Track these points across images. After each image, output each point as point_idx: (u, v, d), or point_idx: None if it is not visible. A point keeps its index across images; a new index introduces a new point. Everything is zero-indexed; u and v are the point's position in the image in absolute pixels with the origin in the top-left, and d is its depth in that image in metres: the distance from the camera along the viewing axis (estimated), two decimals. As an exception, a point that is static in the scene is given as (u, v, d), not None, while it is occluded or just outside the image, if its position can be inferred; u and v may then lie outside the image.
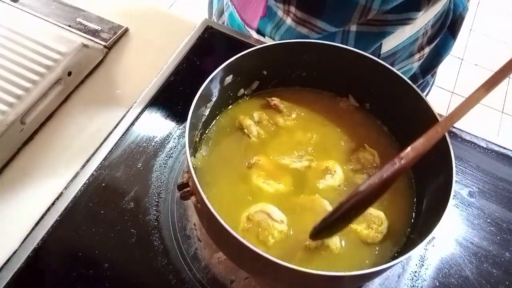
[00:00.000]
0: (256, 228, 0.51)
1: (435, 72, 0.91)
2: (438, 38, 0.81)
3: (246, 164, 0.56)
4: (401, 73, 0.80)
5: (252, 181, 0.55)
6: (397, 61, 0.78)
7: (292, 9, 0.68)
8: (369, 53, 0.71)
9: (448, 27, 0.83)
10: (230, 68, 0.54)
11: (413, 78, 0.85)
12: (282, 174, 0.56)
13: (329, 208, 0.53)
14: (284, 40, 0.73)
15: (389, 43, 0.72)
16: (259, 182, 0.54)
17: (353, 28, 0.69)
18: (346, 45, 0.70)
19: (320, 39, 0.70)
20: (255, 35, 0.80)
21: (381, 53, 0.73)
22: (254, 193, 0.54)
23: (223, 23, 0.88)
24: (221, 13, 0.88)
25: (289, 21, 0.71)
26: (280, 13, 0.72)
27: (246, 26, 0.80)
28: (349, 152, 0.59)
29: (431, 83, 0.93)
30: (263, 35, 0.78)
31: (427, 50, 0.80)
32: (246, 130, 0.59)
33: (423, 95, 0.53)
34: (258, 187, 0.54)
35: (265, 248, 0.50)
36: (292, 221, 0.52)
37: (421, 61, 0.82)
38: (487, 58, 2.32)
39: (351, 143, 0.60)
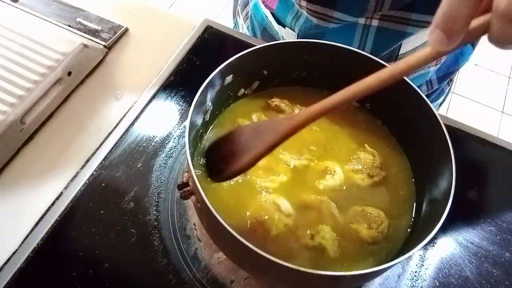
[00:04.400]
0: (264, 215, 0.51)
1: (451, 80, 0.90)
2: None
3: None
4: (417, 76, 0.81)
5: (252, 183, 0.55)
6: None
7: (304, 3, 0.68)
8: (387, 53, 0.72)
9: None
10: (230, 67, 0.54)
11: (429, 83, 0.85)
12: (280, 169, 0.56)
13: (336, 212, 0.53)
14: (302, 31, 0.73)
15: (409, 44, 0.72)
16: (260, 183, 0.54)
17: (375, 23, 0.68)
18: (366, 40, 0.71)
19: (340, 31, 0.71)
20: (276, 26, 0.79)
21: (400, 54, 0.73)
22: (257, 192, 0.54)
23: (247, 14, 0.87)
24: (245, 4, 0.88)
25: (305, 13, 0.71)
26: (296, 5, 0.72)
27: (265, 11, 0.79)
28: (349, 152, 0.59)
29: (446, 91, 0.92)
30: (284, 26, 0.77)
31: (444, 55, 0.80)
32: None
33: (423, 95, 0.53)
34: (260, 187, 0.54)
35: (267, 237, 0.50)
36: (296, 217, 0.52)
37: (438, 66, 0.81)
38: (487, 58, 2.32)
39: (352, 143, 0.60)
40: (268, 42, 0.81)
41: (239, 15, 0.92)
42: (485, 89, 2.25)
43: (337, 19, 0.68)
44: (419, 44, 0.72)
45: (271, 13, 0.79)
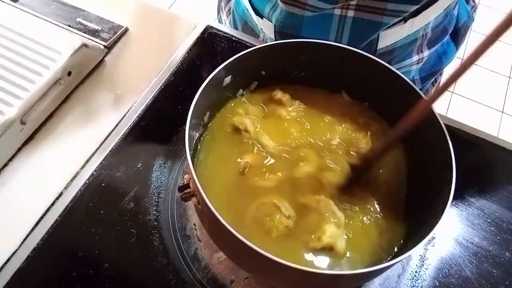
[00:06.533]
0: (264, 217, 0.51)
1: (435, 81, 0.90)
2: (439, 43, 0.80)
3: (239, 170, 0.55)
4: (399, 75, 0.80)
5: (249, 183, 0.54)
6: (395, 61, 0.77)
7: None
8: (365, 46, 0.72)
9: (450, 35, 0.82)
10: (228, 68, 0.54)
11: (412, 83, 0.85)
12: (277, 166, 0.56)
13: (335, 208, 0.52)
14: (279, 21, 0.73)
15: (387, 39, 0.72)
16: (257, 183, 0.54)
17: (351, 13, 0.68)
18: (343, 31, 0.71)
19: (317, 22, 0.70)
20: (254, 17, 0.79)
21: (378, 48, 0.73)
22: (255, 193, 0.54)
23: (229, 9, 0.88)
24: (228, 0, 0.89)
25: (279, 3, 0.70)
26: None
27: (246, 4, 0.80)
28: (349, 145, 0.59)
29: (432, 91, 0.92)
30: (262, 17, 0.77)
31: (426, 53, 0.79)
32: (240, 126, 0.58)
33: (423, 95, 0.53)
34: (257, 186, 0.54)
35: (267, 239, 0.50)
36: (297, 220, 0.52)
37: (420, 65, 0.82)
38: (487, 58, 2.32)
39: (350, 136, 0.60)
40: (249, 35, 0.82)
41: (222, 11, 0.93)
42: (485, 89, 2.25)
43: (311, 6, 0.67)
44: (397, 39, 0.72)
45: (250, 4, 0.79)
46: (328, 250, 0.50)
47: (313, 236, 0.50)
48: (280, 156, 0.57)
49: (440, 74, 0.89)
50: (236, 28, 0.87)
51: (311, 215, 0.52)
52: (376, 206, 0.54)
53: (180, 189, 0.49)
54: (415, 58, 0.79)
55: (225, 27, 0.82)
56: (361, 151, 0.56)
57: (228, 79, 0.57)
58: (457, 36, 0.83)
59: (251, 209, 0.52)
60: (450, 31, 0.80)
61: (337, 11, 0.69)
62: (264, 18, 0.77)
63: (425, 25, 0.72)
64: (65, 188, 0.62)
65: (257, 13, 0.78)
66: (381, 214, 0.53)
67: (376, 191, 0.55)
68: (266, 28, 0.78)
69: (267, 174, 0.55)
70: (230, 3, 0.88)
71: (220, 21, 0.97)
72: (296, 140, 0.59)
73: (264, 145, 0.58)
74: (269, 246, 0.49)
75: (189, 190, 0.48)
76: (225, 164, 0.57)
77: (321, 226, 0.51)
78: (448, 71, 0.88)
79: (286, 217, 0.51)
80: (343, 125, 0.61)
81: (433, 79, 0.88)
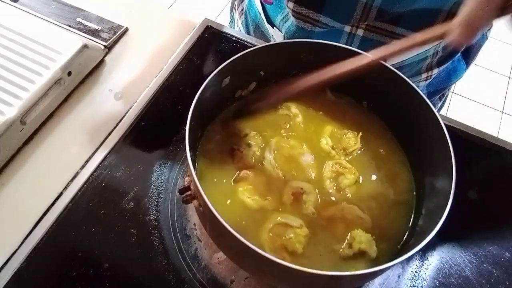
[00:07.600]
0: (281, 240, 0.50)
1: (443, 95, 0.89)
2: (450, 62, 0.79)
3: (235, 176, 0.55)
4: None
5: (237, 194, 0.54)
6: None
7: (291, 4, 0.68)
8: None
9: (462, 52, 0.81)
10: (227, 69, 0.54)
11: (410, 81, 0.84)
12: (269, 191, 0.54)
13: (361, 213, 0.52)
14: (288, 33, 0.73)
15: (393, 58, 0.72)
16: (244, 197, 0.53)
17: (360, 32, 0.68)
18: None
19: (326, 37, 0.70)
20: (266, 24, 0.79)
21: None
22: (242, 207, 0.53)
23: (242, 9, 0.88)
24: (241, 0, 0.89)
25: (290, 16, 0.71)
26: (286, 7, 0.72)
27: (258, 7, 0.80)
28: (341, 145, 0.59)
29: (438, 105, 0.91)
30: (272, 26, 0.77)
31: (435, 71, 0.79)
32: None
33: (424, 95, 0.53)
34: (242, 201, 0.53)
35: (298, 256, 0.49)
36: (324, 234, 0.51)
37: (428, 81, 0.81)
38: (487, 58, 2.32)
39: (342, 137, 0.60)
40: (260, 39, 0.82)
41: (235, 10, 0.92)
42: (485, 89, 2.25)
43: (323, 23, 0.68)
44: (406, 57, 0.72)
45: (263, 10, 0.79)
46: (361, 255, 0.50)
47: (343, 244, 0.50)
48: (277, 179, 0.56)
49: (448, 89, 0.89)
50: (248, 29, 0.87)
51: (338, 225, 0.52)
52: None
53: (181, 192, 0.49)
54: (424, 75, 0.78)
55: (225, 27, 0.82)
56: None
57: (227, 80, 0.57)
58: (469, 54, 0.82)
59: (264, 239, 0.51)
60: (462, 49, 0.79)
61: (347, 28, 0.69)
62: (274, 27, 0.77)
63: (436, 44, 0.72)
64: (65, 188, 0.62)
65: (268, 20, 0.78)
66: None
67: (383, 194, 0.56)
68: (276, 37, 0.78)
69: (255, 196, 0.54)
70: (243, 4, 0.88)
71: (232, 19, 0.96)
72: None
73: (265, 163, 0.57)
74: (303, 264, 0.48)
75: (190, 192, 0.48)
76: (224, 166, 0.56)
77: (350, 232, 0.51)
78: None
79: (299, 227, 0.51)
80: (333, 125, 0.61)
81: (440, 94, 0.87)
